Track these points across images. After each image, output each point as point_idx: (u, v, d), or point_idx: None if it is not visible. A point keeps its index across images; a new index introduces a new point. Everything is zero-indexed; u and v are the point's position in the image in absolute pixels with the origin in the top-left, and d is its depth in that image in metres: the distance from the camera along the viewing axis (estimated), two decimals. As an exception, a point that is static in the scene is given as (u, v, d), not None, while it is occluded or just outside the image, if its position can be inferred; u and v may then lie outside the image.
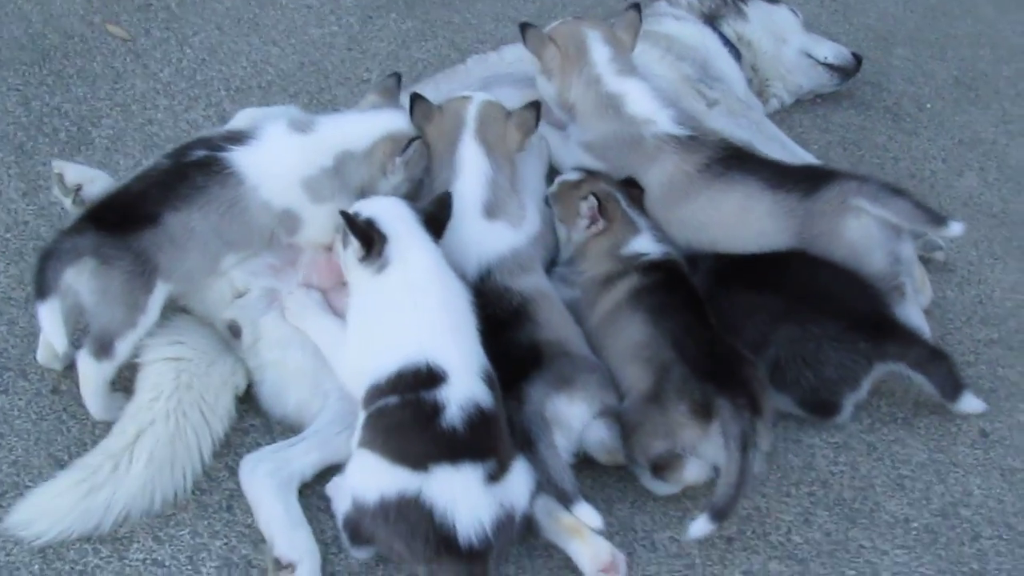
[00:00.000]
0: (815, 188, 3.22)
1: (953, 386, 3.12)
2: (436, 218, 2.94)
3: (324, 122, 3.11)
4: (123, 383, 2.98)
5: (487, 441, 2.66)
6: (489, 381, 2.75)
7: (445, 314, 2.81)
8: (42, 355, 3.06)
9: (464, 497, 2.58)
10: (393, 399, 2.68)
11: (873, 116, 4.55)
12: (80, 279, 2.81)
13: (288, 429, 3.03)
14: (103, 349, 2.85)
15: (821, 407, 3.13)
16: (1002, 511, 3.04)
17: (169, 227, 2.89)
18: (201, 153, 2.99)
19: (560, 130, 3.48)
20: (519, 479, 2.68)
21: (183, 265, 2.93)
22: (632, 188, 3.29)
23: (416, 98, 3.20)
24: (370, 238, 2.81)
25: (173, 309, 3.05)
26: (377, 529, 2.63)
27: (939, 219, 3.18)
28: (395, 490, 2.59)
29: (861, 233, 3.21)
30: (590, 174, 3.31)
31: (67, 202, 3.13)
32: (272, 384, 3.03)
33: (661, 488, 2.94)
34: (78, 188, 3.08)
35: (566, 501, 2.73)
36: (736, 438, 2.72)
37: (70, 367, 3.02)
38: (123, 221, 2.86)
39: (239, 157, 2.99)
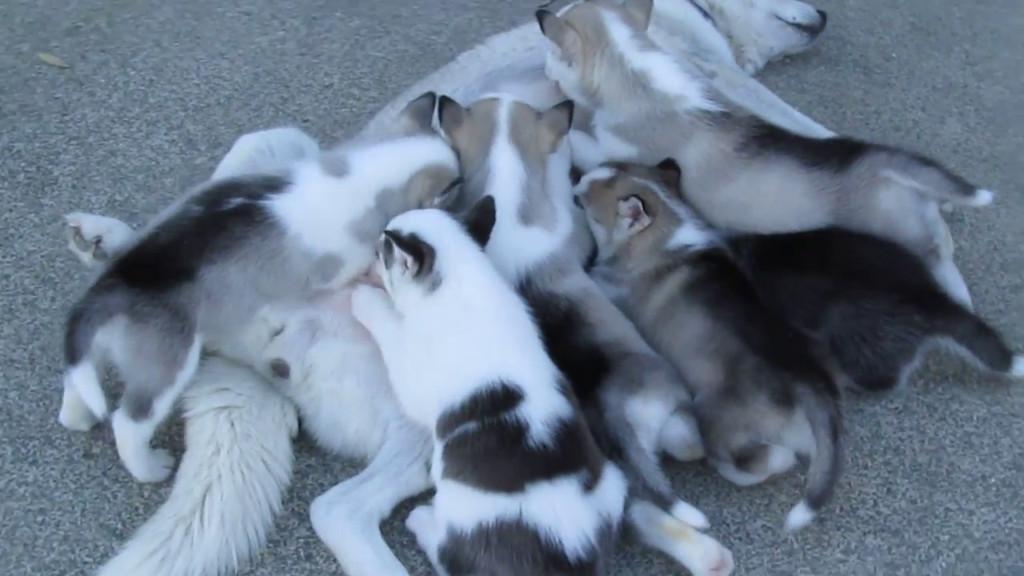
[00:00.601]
0: (847, 163, 3.18)
1: (1002, 356, 3.10)
2: (480, 225, 2.83)
3: (358, 160, 2.93)
4: (160, 438, 2.84)
5: (576, 452, 2.58)
6: (564, 390, 2.65)
7: (508, 328, 2.71)
8: (67, 417, 2.87)
9: (565, 512, 2.50)
10: (472, 425, 2.57)
11: (844, 71, 4.53)
12: (113, 338, 2.63)
13: (348, 463, 2.91)
14: (140, 410, 2.67)
15: (880, 382, 3.09)
16: (1070, 455, 3.05)
17: (206, 282, 2.71)
18: (238, 201, 2.80)
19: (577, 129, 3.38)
20: (612, 486, 2.61)
21: (218, 319, 2.77)
22: (669, 171, 3.21)
23: (445, 102, 3.07)
24: (420, 251, 2.68)
25: (205, 354, 2.85)
26: (478, 557, 2.52)
27: (968, 188, 3.17)
28: (493, 516, 2.50)
29: (895, 204, 3.18)
30: (620, 168, 3.21)
31: (86, 257, 2.91)
32: (329, 416, 2.89)
33: (745, 479, 2.88)
34: (97, 240, 2.87)
35: (664, 504, 2.66)
36: (825, 424, 2.67)
37: (98, 424, 2.85)
38: (156, 276, 2.67)
39: (280, 206, 2.82)
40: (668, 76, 3.26)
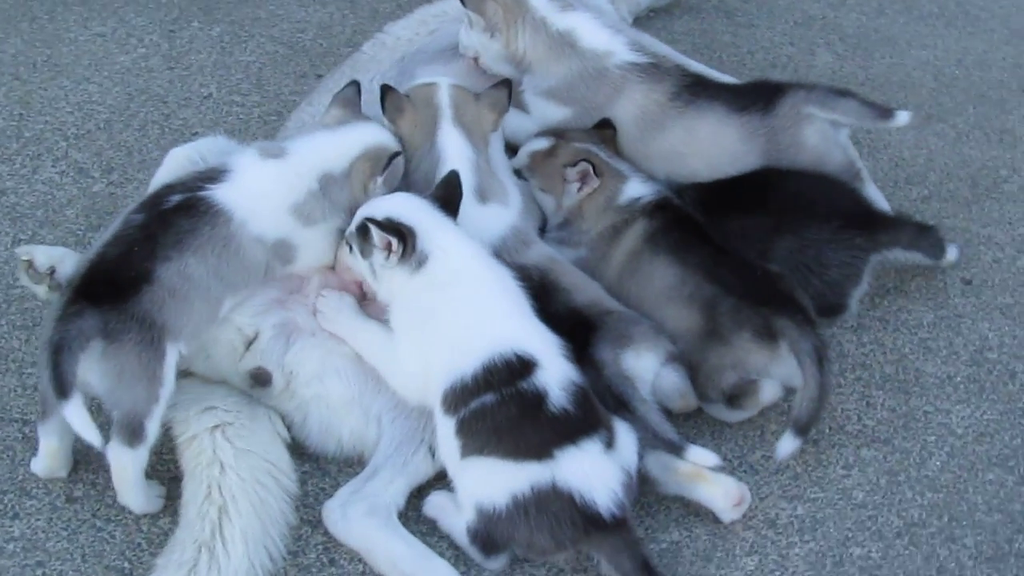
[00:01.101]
0: (771, 104, 3.27)
1: (940, 248, 3.27)
2: (449, 201, 2.80)
3: (296, 145, 2.87)
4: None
5: (593, 414, 2.59)
6: (570, 355, 2.66)
7: (506, 297, 2.70)
8: (43, 466, 2.71)
9: (594, 472, 2.51)
10: (490, 397, 2.54)
11: (708, 18, 4.64)
12: (90, 367, 2.50)
13: (344, 464, 2.84)
14: (134, 434, 2.54)
15: (831, 310, 3.18)
16: (1019, 345, 3.24)
17: (165, 280, 2.60)
18: (178, 197, 2.71)
19: None
20: (626, 440, 2.62)
21: (188, 319, 2.65)
22: (605, 130, 3.23)
23: (387, 90, 3.00)
24: (401, 232, 2.64)
25: (181, 375, 2.71)
26: (515, 530, 2.52)
27: (887, 112, 3.29)
28: (527, 485, 2.49)
29: (819, 138, 3.29)
30: (558, 136, 3.21)
31: (40, 290, 2.74)
32: (319, 421, 2.81)
33: (736, 416, 2.95)
34: (51, 271, 2.71)
35: (676, 450, 2.69)
36: (810, 353, 2.76)
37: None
38: (117, 290, 2.55)
39: (222, 194, 2.73)
40: (593, 33, 3.28)
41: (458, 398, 2.58)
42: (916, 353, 3.20)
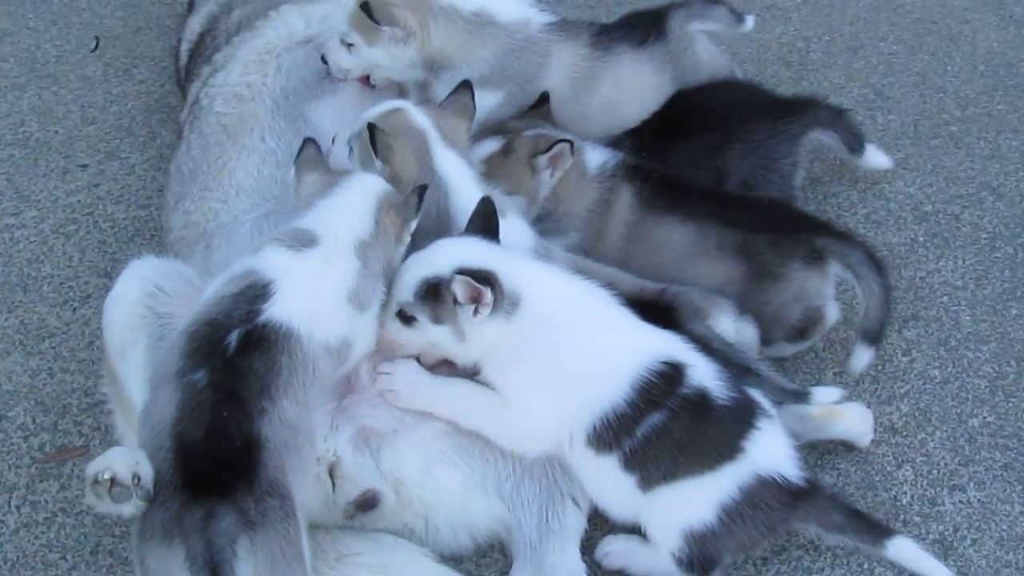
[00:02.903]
0: (662, 31, 3.22)
1: (857, 141, 3.31)
2: (491, 230, 2.49)
3: (317, 225, 2.41)
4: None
5: (746, 394, 2.45)
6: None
7: (615, 309, 2.48)
8: None
9: (778, 446, 2.41)
10: (657, 417, 2.33)
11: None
12: (241, 568, 2.03)
13: (480, 555, 2.53)
14: None
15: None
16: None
17: (273, 436, 2.15)
18: (237, 335, 2.20)
19: None
20: (767, 403, 2.51)
21: (301, 472, 2.22)
22: (541, 107, 3.03)
23: (374, 128, 2.57)
24: (489, 279, 2.32)
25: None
26: (731, 538, 2.36)
27: (740, 16, 3.35)
28: (734, 489, 2.34)
29: (707, 50, 3.34)
30: (501, 132, 2.95)
31: (129, 508, 2.09)
32: (445, 518, 2.48)
33: (799, 347, 2.92)
34: (137, 479, 2.09)
35: (804, 397, 2.64)
36: (864, 262, 2.79)
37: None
38: (233, 469, 2.08)
39: (280, 310, 2.26)
40: (506, 3, 3.04)
41: (615, 431, 2.34)
42: (873, 232, 3.31)
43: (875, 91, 3.86)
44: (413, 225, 2.47)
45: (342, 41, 2.96)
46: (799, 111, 3.23)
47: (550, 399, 2.38)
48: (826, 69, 3.96)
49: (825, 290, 2.84)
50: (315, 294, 2.32)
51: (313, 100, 3.02)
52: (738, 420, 2.38)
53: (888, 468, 2.69)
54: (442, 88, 2.99)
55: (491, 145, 2.93)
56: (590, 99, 3.11)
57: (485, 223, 2.50)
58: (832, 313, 2.88)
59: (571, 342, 2.39)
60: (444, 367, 2.49)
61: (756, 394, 2.49)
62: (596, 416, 2.34)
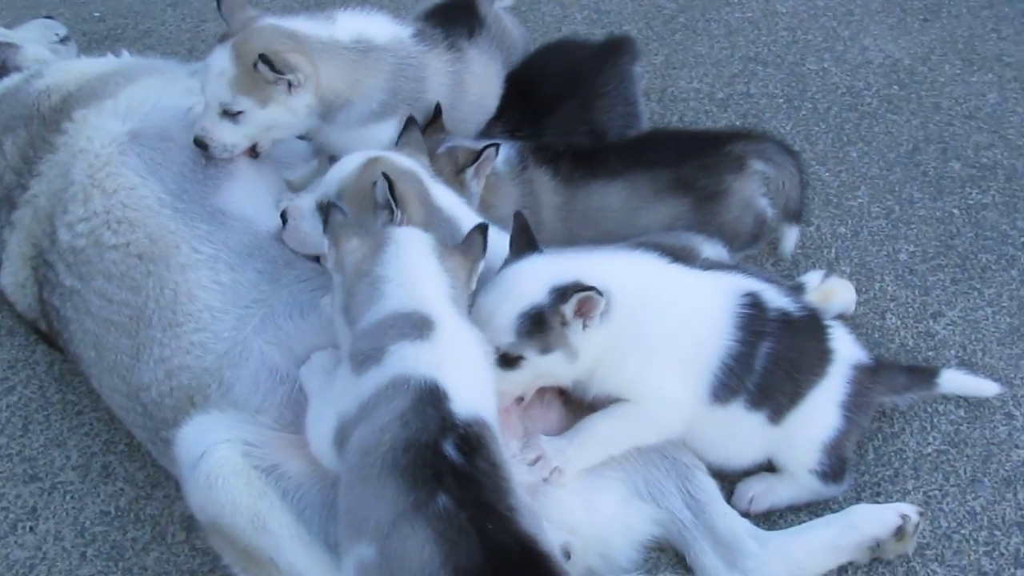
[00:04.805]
0: (478, 19, 3.21)
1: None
2: (533, 242, 2.39)
3: (408, 302, 2.15)
4: None
5: (804, 300, 2.63)
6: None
7: (675, 264, 2.49)
8: None
9: (846, 336, 2.57)
10: (767, 345, 2.39)
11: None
12: None
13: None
14: None
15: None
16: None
17: (530, 527, 1.98)
18: (453, 443, 1.99)
19: None
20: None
21: None
22: (436, 121, 2.90)
23: (390, 180, 2.34)
24: (589, 287, 2.23)
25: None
26: (853, 433, 2.54)
27: None
28: (846, 387, 2.50)
29: (515, 25, 3.50)
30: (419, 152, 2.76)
31: None
32: (620, 540, 2.40)
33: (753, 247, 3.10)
34: None
35: (800, 288, 2.84)
36: (778, 152, 2.99)
37: None
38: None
39: (464, 406, 2.04)
40: (378, 26, 2.84)
41: (736, 373, 2.37)
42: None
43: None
44: (481, 266, 2.30)
45: (224, 114, 2.65)
46: (623, 48, 3.33)
47: (674, 371, 2.37)
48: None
49: (760, 189, 3.01)
50: (474, 372, 2.14)
51: (214, 192, 2.69)
52: (816, 325, 2.50)
53: (875, 324, 2.96)
54: (336, 132, 2.79)
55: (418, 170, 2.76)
56: (463, 102, 3.03)
57: (524, 236, 2.39)
58: (768, 208, 3.05)
59: (665, 310, 2.37)
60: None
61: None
62: (716, 366, 2.36)
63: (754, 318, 2.40)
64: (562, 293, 2.21)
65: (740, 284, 2.46)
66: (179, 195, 2.66)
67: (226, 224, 2.61)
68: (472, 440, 2.01)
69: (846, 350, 2.51)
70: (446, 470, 1.96)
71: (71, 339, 2.64)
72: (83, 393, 2.83)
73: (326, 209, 2.37)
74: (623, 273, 2.37)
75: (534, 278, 2.27)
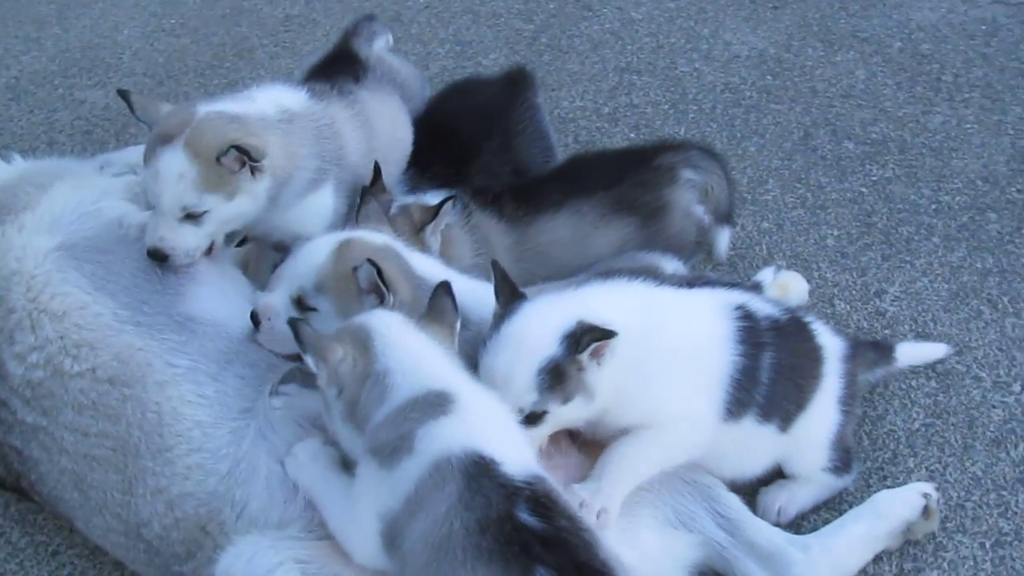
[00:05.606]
0: (359, 64, 3.16)
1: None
2: (518, 291, 2.31)
3: (416, 382, 2.05)
4: None
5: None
6: None
7: (662, 287, 2.46)
8: None
9: (825, 330, 2.58)
10: (768, 356, 2.39)
11: None
12: None
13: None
14: None
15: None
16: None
17: None
18: (525, 506, 1.91)
19: None
20: None
21: None
22: (378, 180, 2.78)
23: (378, 265, 2.22)
24: (602, 327, 2.20)
25: None
26: (851, 423, 2.58)
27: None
28: (838, 380, 2.53)
29: (401, 62, 3.44)
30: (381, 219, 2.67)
31: None
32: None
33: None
34: None
35: (758, 287, 2.85)
36: (703, 158, 3.03)
37: None
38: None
39: (515, 467, 1.97)
40: (287, 95, 2.74)
41: (745, 386, 2.36)
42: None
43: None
44: (458, 325, 2.23)
45: (186, 218, 2.47)
46: (524, 81, 3.33)
47: (690, 391, 2.34)
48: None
49: (694, 197, 3.01)
50: (508, 429, 2.08)
51: (178, 299, 2.50)
52: (801, 325, 2.51)
53: (827, 311, 3.02)
54: (280, 212, 2.64)
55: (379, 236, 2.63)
56: (377, 143, 2.92)
57: (510, 287, 2.31)
58: (705, 215, 3.05)
59: (667, 334, 2.33)
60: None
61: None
62: (726, 382, 2.34)
63: (751, 330, 2.39)
64: (576, 340, 2.15)
65: (728, 298, 2.45)
66: (138, 308, 2.46)
67: (198, 331, 2.44)
68: (542, 499, 1.94)
69: (831, 344, 2.53)
70: (532, 539, 1.88)
71: (41, 480, 2.39)
72: (52, 531, 2.58)
73: (300, 307, 2.30)
74: (620, 303, 2.33)
75: (542, 330, 2.20)
